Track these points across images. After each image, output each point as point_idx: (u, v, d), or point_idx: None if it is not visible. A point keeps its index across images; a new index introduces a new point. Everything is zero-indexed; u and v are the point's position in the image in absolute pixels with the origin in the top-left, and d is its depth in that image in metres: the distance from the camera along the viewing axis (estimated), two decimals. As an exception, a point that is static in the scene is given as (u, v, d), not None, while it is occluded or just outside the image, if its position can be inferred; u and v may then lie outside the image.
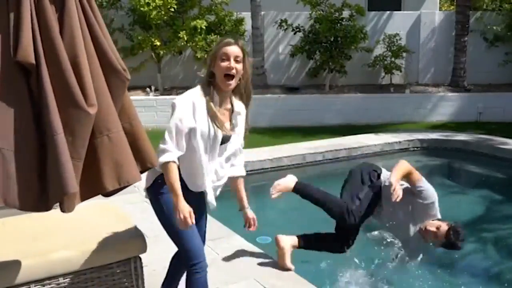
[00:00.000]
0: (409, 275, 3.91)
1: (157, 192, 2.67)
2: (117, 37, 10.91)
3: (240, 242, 4.13)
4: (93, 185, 2.23)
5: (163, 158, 2.54)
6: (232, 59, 2.59)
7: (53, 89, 2.05)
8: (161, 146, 2.58)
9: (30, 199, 2.10)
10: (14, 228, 2.93)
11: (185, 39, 10.33)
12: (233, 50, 2.61)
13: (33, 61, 2.02)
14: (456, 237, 3.67)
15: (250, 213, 2.93)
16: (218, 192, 2.83)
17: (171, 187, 2.53)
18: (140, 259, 2.79)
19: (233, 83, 2.62)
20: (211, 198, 2.73)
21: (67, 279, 2.62)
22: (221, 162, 2.77)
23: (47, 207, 2.15)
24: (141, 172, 2.45)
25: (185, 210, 2.49)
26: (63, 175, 2.02)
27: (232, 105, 2.74)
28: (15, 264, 2.48)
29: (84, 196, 2.26)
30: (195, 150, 2.61)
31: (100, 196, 2.42)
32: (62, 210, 2.18)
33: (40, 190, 2.09)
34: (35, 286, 2.54)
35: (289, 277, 3.55)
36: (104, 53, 2.22)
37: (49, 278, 2.57)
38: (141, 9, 10.10)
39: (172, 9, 10.33)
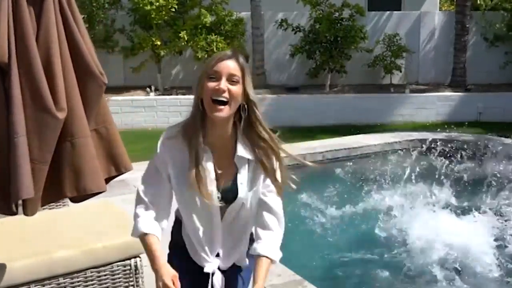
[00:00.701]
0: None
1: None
2: (118, 37, 10.91)
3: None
4: (54, 190, 2.19)
5: (134, 231, 1.88)
6: (224, 78, 1.79)
7: (23, 91, 2.01)
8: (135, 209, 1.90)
9: (2, 202, 2.06)
10: (14, 228, 2.93)
11: (186, 39, 10.34)
12: (228, 65, 1.81)
13: (7, 61, 1.98)
14: None
15: None
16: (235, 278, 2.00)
17: (148, 256, 1.85)
18: (140, 258, 2.79)
19: (225, 111, 1.79)
20: (217, 280, 1.91)
21: (67, 279, 2.62)
22: (232, 232, 1.93)
23: (11, 211, 2.11)
24: (116, 177, 2.43)
25: (166, 276, 1.74)
26: (18, 179, 1.98)
27: (235, 145, 1.88)
28: (15, 264, 2.48)
29: (45, 201, 2.22)
30: (184, 212, 1.91)
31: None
32: (25, 214, 2.15)
33: (8, 192, 2.05)
34: (35, 286, 2.54)
35: (289, 277, 3.55)
36: (81, 57, 2.18)
37: (49, 278, 2.57)
38: (145, 7, 10.07)
39: (173, 9, 10.33)
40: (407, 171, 6.77)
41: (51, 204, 3.16)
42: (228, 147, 1.89)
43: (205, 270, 1.89)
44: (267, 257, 1.87)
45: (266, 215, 1.89)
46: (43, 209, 2.81)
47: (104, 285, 2.74)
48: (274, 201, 1.91)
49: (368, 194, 6.07)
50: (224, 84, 1.79)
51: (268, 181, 1.90)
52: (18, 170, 1.98)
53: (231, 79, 1.80)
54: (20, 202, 2.15)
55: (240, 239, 1.96)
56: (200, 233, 1.89)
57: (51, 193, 2.20)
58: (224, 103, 1.79)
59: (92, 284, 2.70)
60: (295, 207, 5.62)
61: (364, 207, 5.83)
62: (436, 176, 6.89)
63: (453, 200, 5.84)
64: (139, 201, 1.88)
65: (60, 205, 3.63)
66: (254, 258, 1.89)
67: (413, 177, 6.77)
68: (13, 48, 2.00)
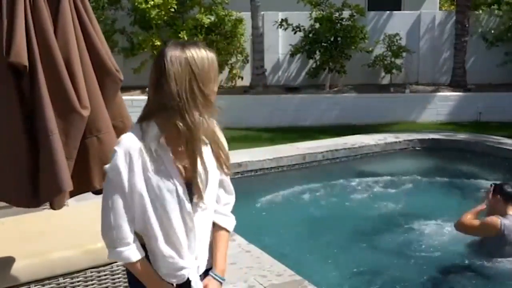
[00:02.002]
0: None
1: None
2: (118, 37, 10.90)
3: (240, 242, 4.13)
4: (82, 182, 2.28)
5: (123, 257, 1.77)
6: None
7: (48, 91, 2.06)
8: (109, 234, 1.76)
9: (22, 195, 2.14)
10: (14, 228, 2.93)
11: (186, 39, 10.33)
12: None
13: (26, 63, 2.03)
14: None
15: (213, 284, 1.85)
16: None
17: (145, 279, 1.80)
18: (140, 259, 2.79)
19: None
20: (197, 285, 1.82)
21: (67, 279, 2.62)
22: (203, 228, 1.85)
23: (37, 204, 2.19)
24: None
25: None
26: (58, 174, 2.06)
27: None
28: (15, 264, 2.48)
29: (73, 193, 2.31)
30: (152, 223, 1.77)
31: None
32: (52, 208, 2.25)
33: (32, 187, 2.12)
34: (35, 286, 2.54)
35: (289, 277, 3.55)
36: (97, 54, 2.25)
37: (49, 278, 2.57)
38: (139, 6, 10.05)
39: (173, 9, 10.33)
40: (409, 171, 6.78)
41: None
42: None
43: (192, 276, 1.79)
44: (226, 229, 1.93)
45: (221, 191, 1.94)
46: (43, 208, 2.82)
47: (104, 285, 2.74)
48: (227, 179, 1.94)
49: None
50: None
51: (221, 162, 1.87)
52: (57, 166, 2.05)
53: None
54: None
55: (209, 230, 1.89)
56: (179, 242, 1.77)
57: (78, 186, 2.27)
58: None
59: (92, 284, 2.70)
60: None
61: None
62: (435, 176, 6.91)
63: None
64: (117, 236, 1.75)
65: (60, 205, 3.62)
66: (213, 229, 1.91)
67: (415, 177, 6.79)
68: (35, 49, 2.04)
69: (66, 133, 2.12)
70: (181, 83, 1.67)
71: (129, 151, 1.70)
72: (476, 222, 4.10)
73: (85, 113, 2.14)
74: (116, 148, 1.72)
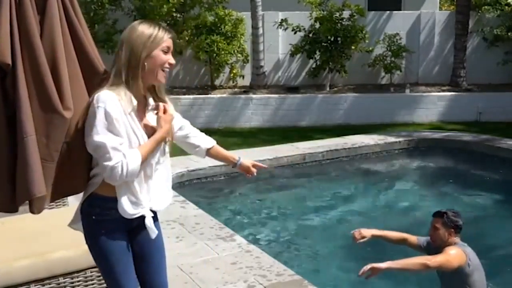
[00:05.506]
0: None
1: (91, 233, 2.23)
2: (118, 38, 10.86)
3: (240, 242, 4.13)
4: (65, 185, 2.21)
5: (128, 167, 2.04)
6: (170, 53, 2.17)
7: (29, 91, 2.03)
8: (110, 163, 2.02)
9: (2, 199, 2.08)
10: (14, 228, 2.94)
11: (186, 39, 10.31)
12: (171, 42, 2.18)
13: (10, 62, 1.99)
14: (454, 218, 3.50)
15: (247, 161, 2.62)
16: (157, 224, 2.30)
17: (149, 146, 2.13)
18: (140, 259, 2.79)
19: (166, 76, 2.24)
20: (150, 223, 2.19)
21: (67, 279, 2.63)
22: (158, 176, 2.24)
23: (15, 208, 2.14)
24: None
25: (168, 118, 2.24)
26: (30, 178, 2.01)
27: (146, 99, 2.28)
28: (15, 264, 2.48)
29: (56, 197, 2.25)
30: None
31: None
32: (31, 211, 2.17)
33: (11, 191, 2.08)
34: (35, 285, 2.55)
35: (289, 277, 3.55)
36: (85, 55, 2.21)
37: (49, 278, 2.58)
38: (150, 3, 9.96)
39: (174, 9, 10.26)
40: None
41: (51, 204, 3.16)
42: (142, 101, 2.22)
43: (146, 215, 2.15)
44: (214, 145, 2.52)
45: (191, 129, 2.47)
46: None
47: (104, 285, 2.74)
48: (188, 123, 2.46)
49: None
50: (172, 59, 2.18)
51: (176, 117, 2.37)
52: (29, 169, 2.01)
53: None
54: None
55: (162, 181, 2.25)
56: (137, 182, 2.12)
57: (62, 189, 2.22)
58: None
59: (92, 284, 2.71)
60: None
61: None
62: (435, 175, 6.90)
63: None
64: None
65: (60, 205, 3.63)
66: (209, 152, 2.51)
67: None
68: (17, 48, 2.00)
69: (47, 134, 2.07)
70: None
71: (110, 107, 2.02)
72: (449, 259, 3.44)
73: (68, 114, 2.08)
74: (98, 104, 2.02)
